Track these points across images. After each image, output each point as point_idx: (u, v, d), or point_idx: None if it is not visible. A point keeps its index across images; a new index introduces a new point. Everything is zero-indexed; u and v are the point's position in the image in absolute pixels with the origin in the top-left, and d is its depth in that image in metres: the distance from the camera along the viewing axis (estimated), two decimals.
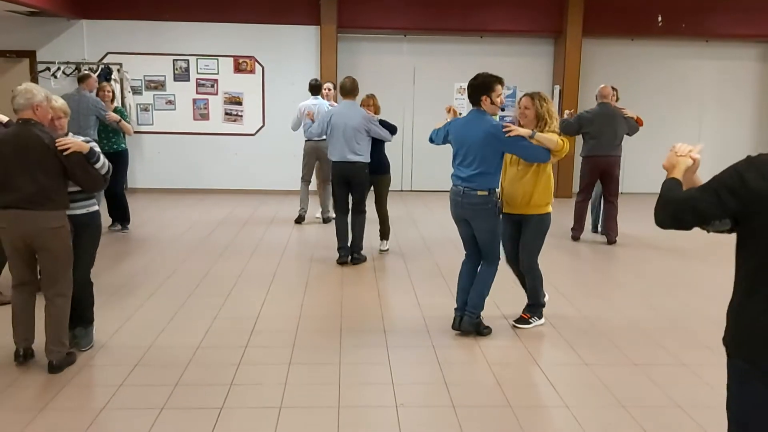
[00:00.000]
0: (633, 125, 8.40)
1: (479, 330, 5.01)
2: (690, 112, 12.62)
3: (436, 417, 3.78)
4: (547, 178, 4.95)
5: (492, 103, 4.79)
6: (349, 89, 7.11)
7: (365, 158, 6.95)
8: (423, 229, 9.05)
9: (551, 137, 4.73)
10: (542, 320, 5.28)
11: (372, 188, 7.33)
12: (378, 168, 7.21)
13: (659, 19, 11.74)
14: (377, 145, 7.14)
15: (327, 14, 11.35)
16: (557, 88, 11.97)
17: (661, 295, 6.21)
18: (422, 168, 12.30)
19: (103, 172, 4.30)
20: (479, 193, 4.81)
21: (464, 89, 12.05)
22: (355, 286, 6.33)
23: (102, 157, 4.29)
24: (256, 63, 11.64)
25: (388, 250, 7.66)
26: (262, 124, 11.74)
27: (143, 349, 4.63)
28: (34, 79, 10.78)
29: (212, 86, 11.67)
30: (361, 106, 7.22)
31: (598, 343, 4.94)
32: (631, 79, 12.28)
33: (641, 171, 12.54)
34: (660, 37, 12.07)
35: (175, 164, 11.74)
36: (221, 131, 11.78)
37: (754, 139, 12.77)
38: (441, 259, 7.34)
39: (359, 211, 7.14)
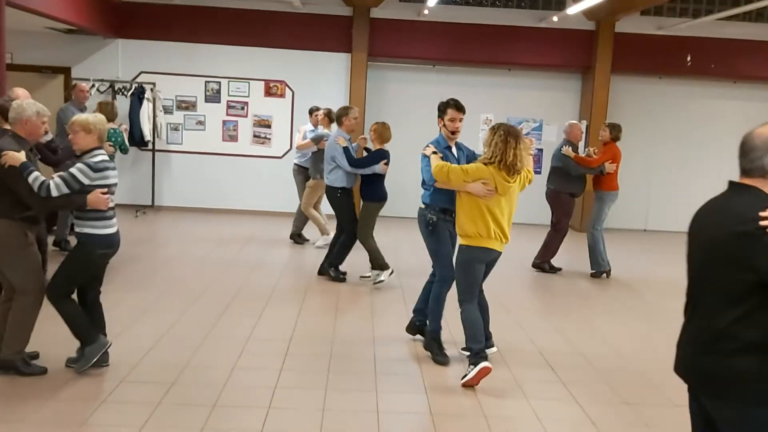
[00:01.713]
0: (567, 162, 8.27)
1: (432, 352, 5.12)
2: (715, 150, 12.58)
3: None
4: (466, 205, 4.69)
5: (444, 126, 5.20)
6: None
7: (333, 182, 7.34)
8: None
9: (434, 160, 4.85)
10: (476, 367, 4.61)
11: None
12: (364, 195, 7.36)
13: (688, 58, 11.80)
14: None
15: (359, 42, 11.49)
16: (584, 122, 12.00)
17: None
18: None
19: (35, 186, 4.18)
20: (420, 205, 5.21)
21: (491, 120, 12.22)
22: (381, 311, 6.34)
23: (35, 173, 4.22)
24: (287, 87, 11.79)
25: (379, 281, 7.27)
26: (289, 148, 11.84)
27: (179, 368, 4.66)
28: (68, 95, 10.96)
29: (242, 108, 11.81)
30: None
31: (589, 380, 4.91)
32: (658, 116, 12.31)
33: (666, 209, 12.53)
34: (688, 76, 12.10)
35: (202, 184, 11.84)
36: (249, 153, 11.89)
37: None
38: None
39: (341, 231, 7.45)
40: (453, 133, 5.16)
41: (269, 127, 11.90)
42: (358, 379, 4.69)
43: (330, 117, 8.89)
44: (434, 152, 4.97)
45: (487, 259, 4.81)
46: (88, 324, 4.48)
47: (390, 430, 3.96)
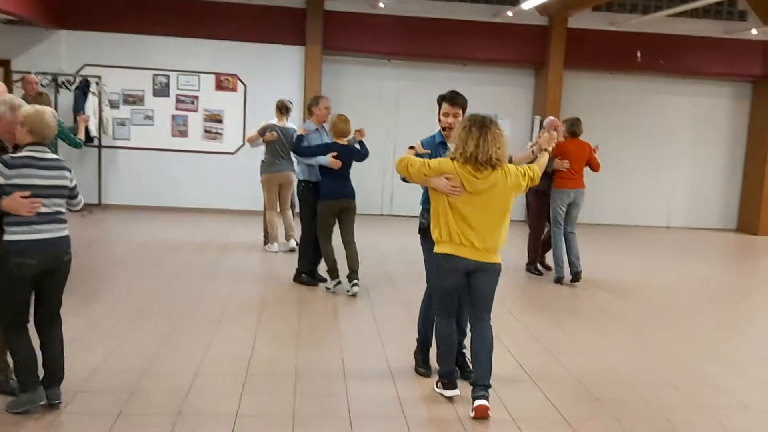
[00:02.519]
0: None
1: (415, 362, 4.85)
2: (664, 144, 12.86)
3: None
4: (432, 205, 4.30)
5: (439, 120, 4.72)
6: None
7: (298, 174, 7.19)
8: (391, 257, 8.87)
9: (405, 154, 4.46)
10: (444, 391, 4.37)
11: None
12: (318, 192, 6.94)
13: (638, 54, 11.99)
14: (323, 167, 6.80)
15: (313, 35, 11.29)
16: (538, 117, 12.08)
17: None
18: (401, 192, 12.24)
19: None
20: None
21: None
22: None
23: None
24: (239, 81, 11.50)
25: (329, 288, 6.91)
26: (242, 143, 11.56)
27: (138, 376, 4.43)
28: (9, 90, 10.44)
29: (192, 103, 11.47)
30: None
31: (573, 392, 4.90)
32: (610, 111, 12.50)
33: (615, 203, 12.76)
34: (638, 72, 12.31)
35: (151, 181, 11.46)
36: (200, 148, 11.56)
37: (725, 172, 13.07)
38: (405, 292, 7.02)
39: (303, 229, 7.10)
40: (445, 129, 4.65)
41: (221, 121, 11.59)
42: (328, 380, 4.55)
43: (280, 108, 8.61)
44: (411, 147, 4.66)
45: (455, 267, 4.18)
46: (28, 368, 3.82)
47: (363, 430, 3.84)
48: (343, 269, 6.83)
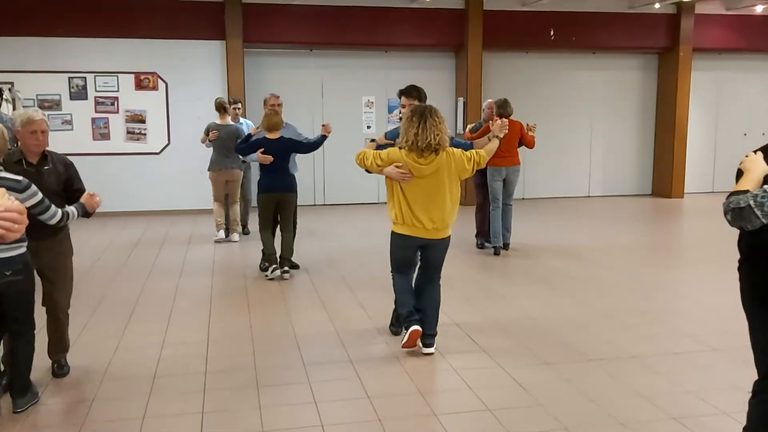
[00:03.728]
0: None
1: (390, 322, 5.40)
2: (581, 118, 13.41)
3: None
4: (387, 191, 4.75)
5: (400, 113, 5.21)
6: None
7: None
8: (329, 242, 9.07)
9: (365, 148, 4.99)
10: (407, 331, 4.81)
11: None
12: None
13: (551, 33, 12.43)
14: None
15: (232, 29, 11.17)
16: (461, 100, 12.37)
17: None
18: (333, 181, 12.34)
19: None
20: None
21: (372, 102, 12.32)
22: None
23: None
24: (159, 79, 11.27)
25: (267, 275, 7.09)
26: (167, 143, 11.36)
27: (96, 382, 4.39)
28: None
29: (112, 104, 11.17)
30: None
31: (510, 344, 5.18)
32: (529, 89, 12.92)
33: (540, 177, 13.22)
34: (552, 49, 12.76)
35: None
36: (124, 150, 11.29)
37: (638, 141, 13.74)
38: (345, 271, 7.42)
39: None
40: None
41: (143, 122, 11.34)
42: (288, 372, 4.63)
43: (218, 108, 8.85)
44: (372, 140, 5.17)
45: (408, 244, 4.72)
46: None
47: (332, 417, 3.95)
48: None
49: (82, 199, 4.15)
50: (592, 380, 4.49)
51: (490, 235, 8.40)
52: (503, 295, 6.55)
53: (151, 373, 4.59)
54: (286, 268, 7.06)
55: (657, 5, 12.29)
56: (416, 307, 4.90)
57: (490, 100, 8.74)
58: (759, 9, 12.55)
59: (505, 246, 8.38)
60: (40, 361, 4.39)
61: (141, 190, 11.32)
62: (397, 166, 4.56)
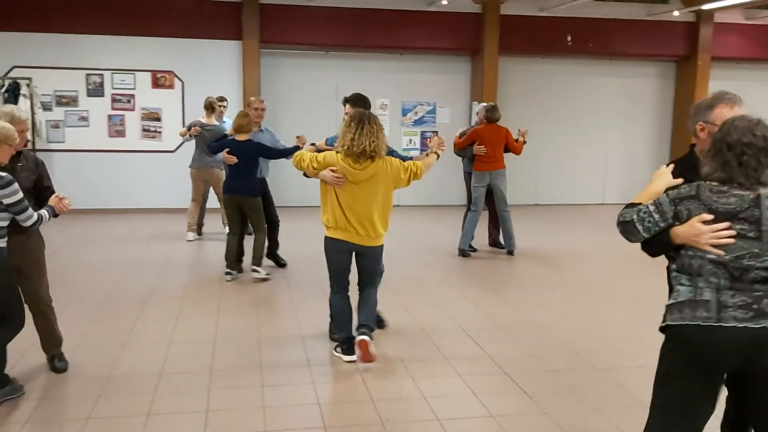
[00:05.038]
0: None
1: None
2: (597, 125, 13.34)
3: None
4: (321, 194, 4.72)
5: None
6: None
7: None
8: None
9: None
10: (342, 355, 4.83)
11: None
12: None
13: (568, 39, 12.38)
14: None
15: (249, 29, 11.22)
16: (476, 104, 12.32)
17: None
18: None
19: None
20: None
21: (386, 105, 12.33)
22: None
23: None
24: (175, 78, 11.34)
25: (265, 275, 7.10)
26: (182, 141, 11.40)
27: (102, 379, 4.41)
28: None
29: (129, 102, 11.26)
30: None
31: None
32: (544, 95, 12.88)
33: (554, 183, 13.15)
34: (569, 55, 12.71)
35: (90, 183, 11.21)
36: (139, 148, 11.37)
37: (654, 149, 13.65)
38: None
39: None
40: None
41: (159, 120, 11.42)
42: (292, 372, 4.64)
43: (206, 107, 8.84)
44: (312, 144, 5.24)
45: (341, 249, 4.67)
46: None
47: (336, 418, 3.95)
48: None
49: (51, 202, 4.19)
50: (598, 389, 4.45)
51: (502, 238, 8.57)
52: (512, 301, 6.53)
53: (157, 370, 4.61)
54: (253, 267, 7.03)
55: (676, 13, 12.20)
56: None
57: (483, 105, 8.80)
58: None
59: (510, 252, 8.44)
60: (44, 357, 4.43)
61: (155, 187, 11.39)
62: (332, 170, 4.52)
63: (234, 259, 7.18)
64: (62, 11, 10.77)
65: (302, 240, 8.88)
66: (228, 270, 7.09)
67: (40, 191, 4.37)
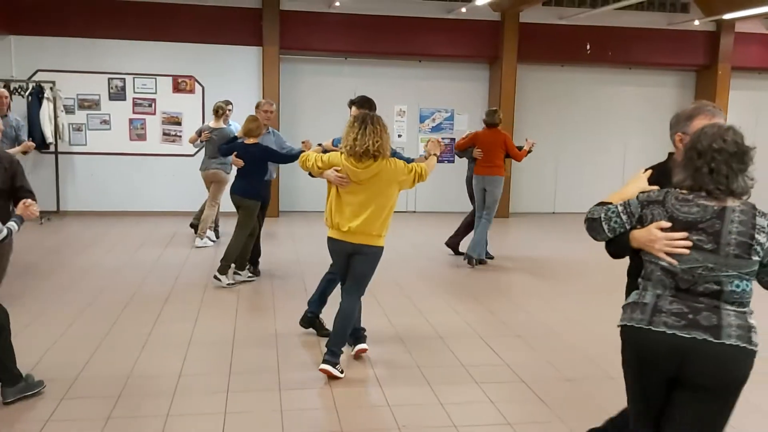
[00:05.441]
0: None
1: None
2: (615, 133, 13.29)
3: None
4: (328, 194, 4.74)
5: None
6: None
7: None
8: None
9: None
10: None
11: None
12: None
13: (587, 47, 12.36)
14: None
15: (269, 35, 11.32)
16: None
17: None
18: None
19: None
20: None
21: (404, 111, 12.38)
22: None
23: None
24: (196, 83, 11.46)
25: (227, 284, 6.95)
26: (202, 145, 11.50)
27: (122, 379, 4.47)
28: None
29: (150, 106, 11.39)
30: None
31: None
32: (563, 103, 12.86)
33: (571, 191, 13.11)
34: (588, 64, 12.68)
35: (110, 186, 11.35)
36: (159, 152, 11.49)
37: None
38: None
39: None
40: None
41: (179, 124, 11.54)
42: (310, 376, 4.67)
43: (214, 111, 8.90)
44: (319, 144, 5.32)
45: (338, 249, 4.70)
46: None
47: (353, 423, 3.97)
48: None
49: (18, 210, 4.15)
50: (614, 397, 4.42)
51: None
52: (528, 309, 6.52)
53: (176, 371, 4.66)
54: (215, 273, 6.95)
55: (696, 22, 12.15)
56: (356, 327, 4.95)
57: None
58: None
59: (469, 260, 8.15)
60: (70, 357, 4.48)
61: (175, 191, 11.50)
62: (336, 170, 4.56)
63: (251, 262, 7.23)
64: (85, 16, 10.93)
65: (320, 244, 8.90)
66: (236, 271, 7.11)
67: (14, 191, 4.38)
